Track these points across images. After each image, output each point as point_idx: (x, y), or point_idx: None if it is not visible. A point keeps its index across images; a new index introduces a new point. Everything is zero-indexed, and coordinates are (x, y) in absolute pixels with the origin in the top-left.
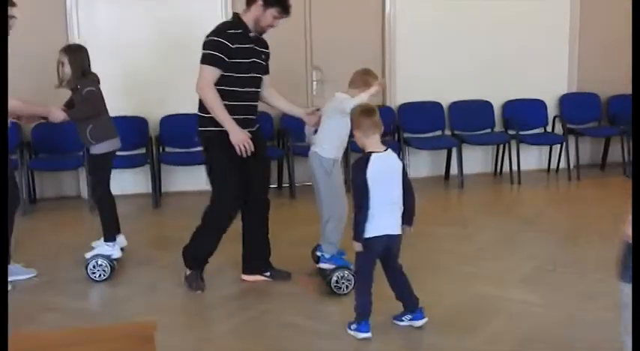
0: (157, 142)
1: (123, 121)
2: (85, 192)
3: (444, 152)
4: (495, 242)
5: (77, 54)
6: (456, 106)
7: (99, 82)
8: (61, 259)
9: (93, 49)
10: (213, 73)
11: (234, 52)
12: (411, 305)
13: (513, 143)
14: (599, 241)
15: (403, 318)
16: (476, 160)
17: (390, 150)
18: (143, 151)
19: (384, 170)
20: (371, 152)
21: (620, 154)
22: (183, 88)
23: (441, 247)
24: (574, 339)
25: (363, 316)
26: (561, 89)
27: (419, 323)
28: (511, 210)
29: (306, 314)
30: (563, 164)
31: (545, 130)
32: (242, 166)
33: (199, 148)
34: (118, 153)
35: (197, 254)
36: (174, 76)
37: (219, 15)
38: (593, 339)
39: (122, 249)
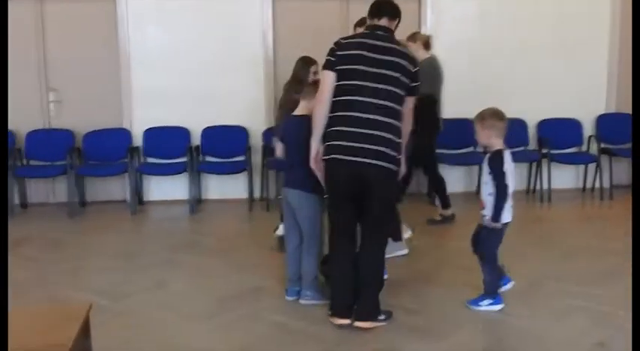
0: (198, 151)
1: (166, 130)
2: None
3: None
4: (503, 256)
5: None
6: None
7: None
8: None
9: (141, 63)
10: None
11: None
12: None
13: (545, 161)
14: (601, 256)
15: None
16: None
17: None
18: (184, 159)
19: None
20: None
21: None
22: (224, 101)
23: (452, 261)
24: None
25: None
26: (599, 109)
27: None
28: (530, 226)
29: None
30: (598, 184)
31: (580, 149)
32: None
33: (238, 158)
34: (162, 161)
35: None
36: (215, 90)
37: (259, 33)
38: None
39: None
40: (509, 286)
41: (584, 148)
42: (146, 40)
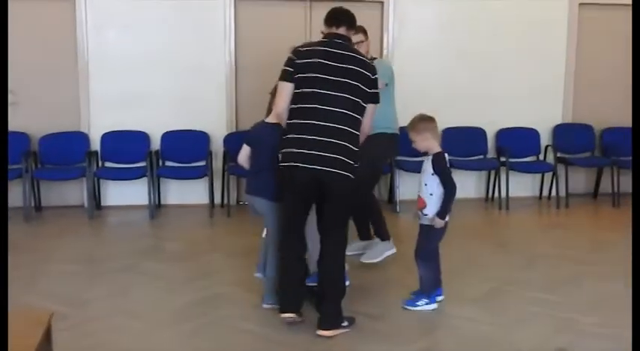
0: (157, 156)
1: (125, 134)
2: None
3: None
4: (463, 262)
5: None
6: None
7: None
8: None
9: (100, 66)
10: None
11: None
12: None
13: (504, 170)
14: (559, 263)
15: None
16: (469, 185)
17: None
18: (143, 164)
19: None
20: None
21: (610, 185)
22: (184, 105)
23: (414, 267)
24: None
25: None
26: (556, 119)
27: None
28: (489, 233)
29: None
30: (554, 192)
31: (537, 158)
32: None
33: (199, 163)
34: (120, 165)
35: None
36: (176, 94)
37: (221, 38)
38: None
39: None
40: (439, 299)
41: (541, 157)
42: (106, 43)
